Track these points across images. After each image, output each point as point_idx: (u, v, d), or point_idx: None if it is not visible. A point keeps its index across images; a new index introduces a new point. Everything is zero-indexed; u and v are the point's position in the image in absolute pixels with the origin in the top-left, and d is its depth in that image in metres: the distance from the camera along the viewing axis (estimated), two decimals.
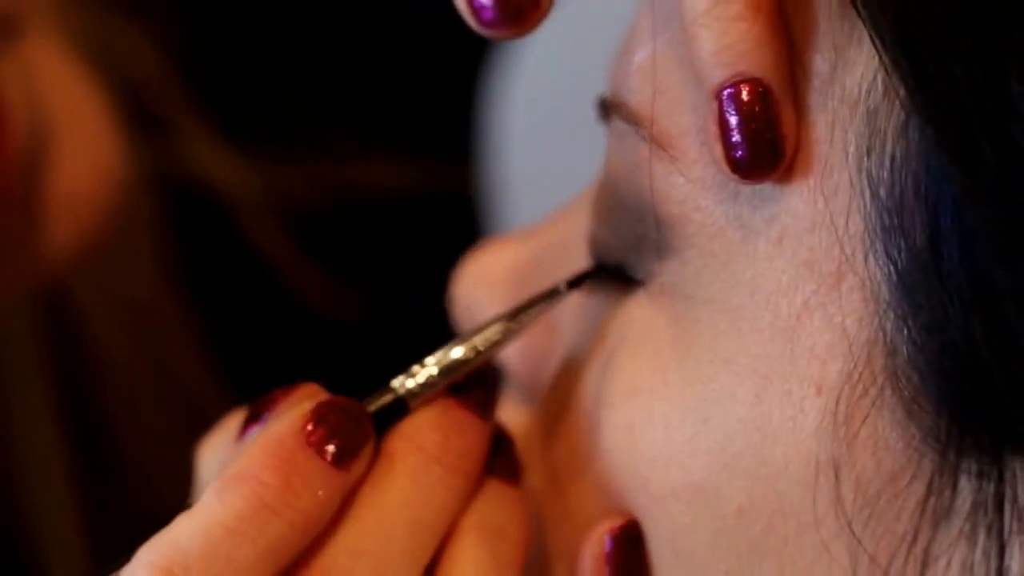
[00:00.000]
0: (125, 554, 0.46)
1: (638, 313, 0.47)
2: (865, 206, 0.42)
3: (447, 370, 0.49)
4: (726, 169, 0.43)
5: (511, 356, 0.54)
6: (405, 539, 0.46)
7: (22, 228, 0.76)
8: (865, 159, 0.42)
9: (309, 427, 0.46)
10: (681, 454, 0.45)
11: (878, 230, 0.41)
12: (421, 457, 0.47)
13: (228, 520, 0.45)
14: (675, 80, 0.45)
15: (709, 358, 0.45)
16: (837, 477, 0.42)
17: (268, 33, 0.87)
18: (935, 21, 0.40)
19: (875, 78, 0.42)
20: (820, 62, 0.43)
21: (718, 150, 0.43)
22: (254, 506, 0.45)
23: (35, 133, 0.74)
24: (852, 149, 0.42)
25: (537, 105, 1.08)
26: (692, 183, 0.45)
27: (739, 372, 0.44)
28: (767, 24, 0.42)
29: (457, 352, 0.49)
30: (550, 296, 0.50)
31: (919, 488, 0.41)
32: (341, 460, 0.46)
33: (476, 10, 0.43)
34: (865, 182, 0.42)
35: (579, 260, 0.50)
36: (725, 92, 0.42)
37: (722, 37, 0.42)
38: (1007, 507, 0.40)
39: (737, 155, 0.43)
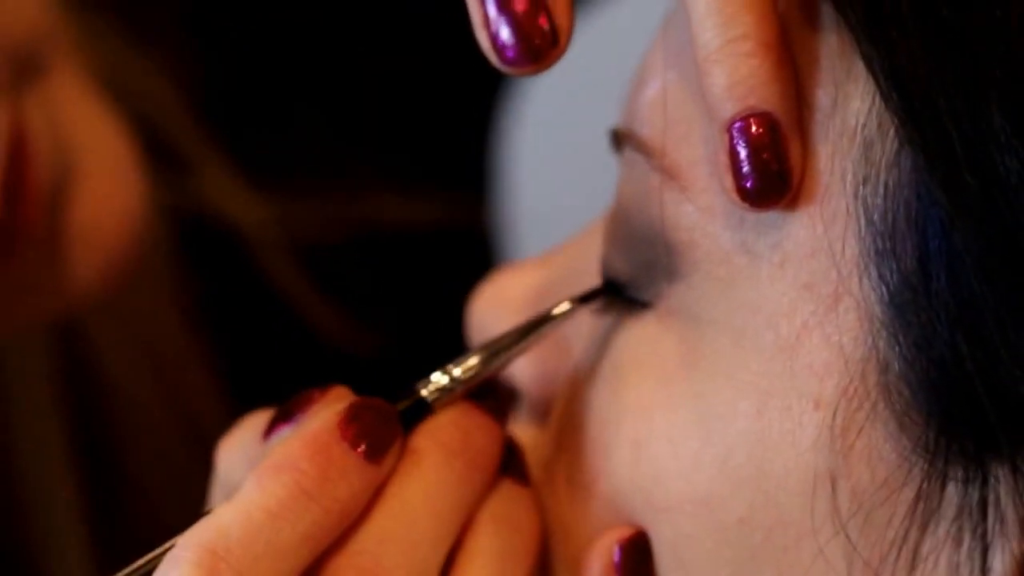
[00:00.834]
0: None
1: (646, 333, 0.49)
2: (860, 231, 0.44)
3: (466, 376, 0.51)
4: (736, 198, 0.45)
5: (524, 377, 0.56)
6: (428, 527, 0.48)
7: (45, 262, 0.76)
8: (861, 187, 0.44)
9: (344, 424, 0.48)
10: (686, 468, 0.47)
11: (872, 254, 0.43)
12: (443, 453, 0.49)
13: (269, 505, 0.46)
14: (685, 113, 0.47)
15: (713, 375, 0.47)
16: (834, 486, 0.44)
17: (282, 68, 0.88)
18: (923, 58, 0.42)
19: (871, 111, 0.44)
20: (822, 96, 0.45)
21: (728, 180, 0.45)
22: (293, 493, 0.47)
23: (59, 168, 0.75)
24: (850, 178, 0.44)
25: (548, 139, 1.08)
26: (701, 211, 0.47)
27: (741, 388, 0.46)
28: (776, 61, 0.44)
29: (474, 360, 0.51)
30: (560, 312, 0.52)
31: (909, 494, 0.43)
32: (373, 455, 0.48)
33: (499, 49, 0.45)
34: (861, 209, 0.43)
35: (591, 284, 0.51)
36: (736, 125, 0.44)
37: (734, 73, 0.44)
38: (990, 511, 0.42)
39: (747, 185, 0.44)
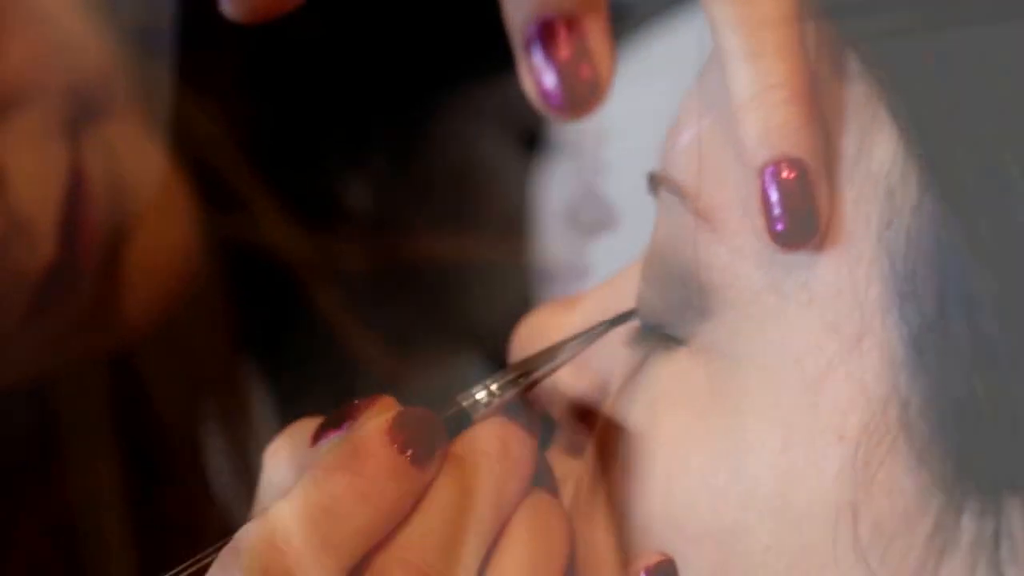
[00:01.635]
0: None
1: (679, 369, 0.51)
2: (883, 274, 0.45)
3: (503, 390, 0.53)
4: (767, 239, 0.47)
5: (562, 409, 0.57)
6: (468, 528, 0.50)
7: (100, 299, 0.78)
8: (885, 231, 0.45)
9: (393, 431, 0.50)
10: (715, 499, 0.49)
11: (894, 295, 0.45)
12: (483, 459, 0.51)
13: (325, 503, 0.48)
14: (719, 158, 0.49)
15: (742, 411, 0.48)
16: (855, 517, 0.45)
17: (330, 112, 0.89)
18: (945, 111, 0.44)
19: (894, 159, 0.45)
20: (848, 143, 0.46)
21: (760, 222, 0.46)
22: (348, 492, 0.49)
23: (116, 207, 0.77)
24: (874, 222, 0.46)
25: None
26: (732, 252, 0.48)
27: (769, 423, 0.47)
28: (807, 110, 0.46)
29: (511, 376, 0.54)
30: (593, 332, 0.54)
31: (928, 525, 0.44)
32: (420, 460, 0.50)
33: (543, 95, 0.46)
34: (884, 252, 0.45)
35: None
36: (768, 170, 0.46)
37: (768, 120, 0.46)
38: (1003, 542, 0.43)
39: (777, 227, 0.46)
